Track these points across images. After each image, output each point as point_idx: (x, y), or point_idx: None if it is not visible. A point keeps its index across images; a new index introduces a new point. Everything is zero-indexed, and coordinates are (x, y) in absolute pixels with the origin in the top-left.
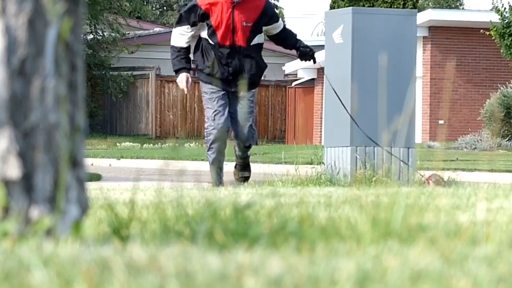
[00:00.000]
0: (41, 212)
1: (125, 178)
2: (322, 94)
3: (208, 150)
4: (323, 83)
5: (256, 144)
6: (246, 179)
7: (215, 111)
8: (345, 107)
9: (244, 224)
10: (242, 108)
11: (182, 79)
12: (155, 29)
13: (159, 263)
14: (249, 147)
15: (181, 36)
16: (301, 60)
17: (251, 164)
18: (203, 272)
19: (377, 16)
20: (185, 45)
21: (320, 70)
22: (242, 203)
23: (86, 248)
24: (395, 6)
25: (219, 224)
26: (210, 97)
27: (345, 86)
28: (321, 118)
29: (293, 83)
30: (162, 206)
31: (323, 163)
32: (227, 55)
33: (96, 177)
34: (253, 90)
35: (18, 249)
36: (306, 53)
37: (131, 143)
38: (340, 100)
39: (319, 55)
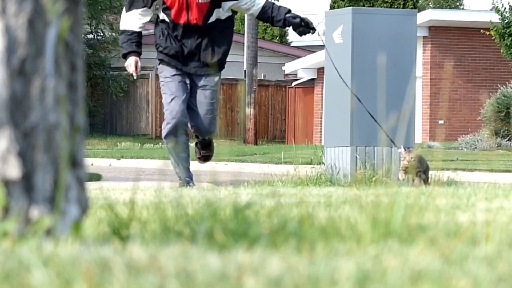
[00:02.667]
0: (41, 212)
1: (125, 178)
2: (322, 94)
3: (165, 139)
4: (323, 83)
5: (213, 133)
6: (207, 158)
7: (171, 94)
8: (365, 107)
9: (244, 224)
10: (204, 99)
11: (131, 62)
12: None
13: (159, 263)
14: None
15: (135, 20)
16: (300, 35)
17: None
18: (203, 272)
19: (377, 16)
20: (138, 30)
21: (320, 70)
22: (242, 203)
23: (86, 248)
24: (395, 6)
25: (219, 224)
26: (167, 81)
27: (345, 86)
28: (321, 118)
29: (293, 83)
30: (162, 206)
31: (323, 163)
32: (182, 34)
33: (96, 177)
34: (216, 79)
35: (18, 249)
36: (298, 24)
37: (131, 143)
38: (356, 96)
39: (319, 55)
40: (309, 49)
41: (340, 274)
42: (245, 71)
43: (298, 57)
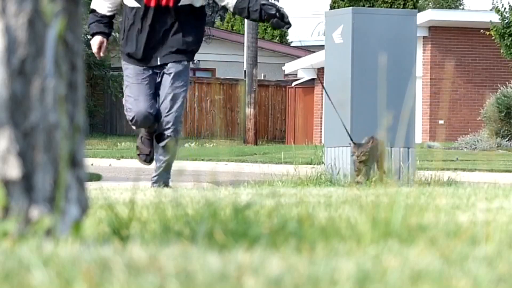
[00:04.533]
0: (41, 212)
1: (125, 178)
2: (322, 94)
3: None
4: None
5: (177, 135)
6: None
7: (134, 98)
8: (336, 110)
9: (244, 224)
10: (168, 83)
11: (95, 42)
12: None
13: (159, 263)
14: (169, 137)
15: (102, 2)
16: (274, 28)
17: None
18: (203, 272)
19: (377, 16)
20: (107, 13)
21: (320, 70)
22: (242, 203)
23: (86, 248)
24: (395, 6)
25: (219, 224)
26: (130, 82)
27: (345, 86)
28: (321, 118)
29: (293, 83)
30: (162, 206)
31: (323, 163)
32: (152, 20)
33: (96, 177)
34: (183, 64)
35: (18, 249)
36: (273, 15)
37: (131, 143)
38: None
39: (319, 55)
40: (309, 49)
41: (340, 274)
42: (245, 71)
43: (298, 57)
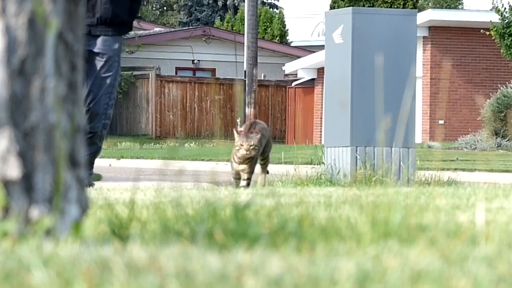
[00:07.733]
0: (41, 212)
1: (125, 178)
2: (322, 94)
3: None
4: (323, 83)
5: (103, 130)
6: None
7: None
8: None
9: (244, 224)
10: (98, 68)
11: None
12: (155, 29)
13: (159, 263)
14: (94, 133)
15: None
16: None
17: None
18: (203, 272)
19: (377, 16)
20: None
21: (320, 70)
22: (242, 203)
23: (86, 248)
24: (395, 6)
25: (219, 224)
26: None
27: (345, 86)
28: (321, 118)
29: (293, 83)
30: (162, 206)
31: (323, 163)
32: None
33: (96, 177)
34: (115, 45)
35: (18, 249)
36: None
37: (131, 143)
38: None
39: (319, 55)
40: (309, 49)
41: (340, 274)
42: (245, 71)
43: (298, 57)
